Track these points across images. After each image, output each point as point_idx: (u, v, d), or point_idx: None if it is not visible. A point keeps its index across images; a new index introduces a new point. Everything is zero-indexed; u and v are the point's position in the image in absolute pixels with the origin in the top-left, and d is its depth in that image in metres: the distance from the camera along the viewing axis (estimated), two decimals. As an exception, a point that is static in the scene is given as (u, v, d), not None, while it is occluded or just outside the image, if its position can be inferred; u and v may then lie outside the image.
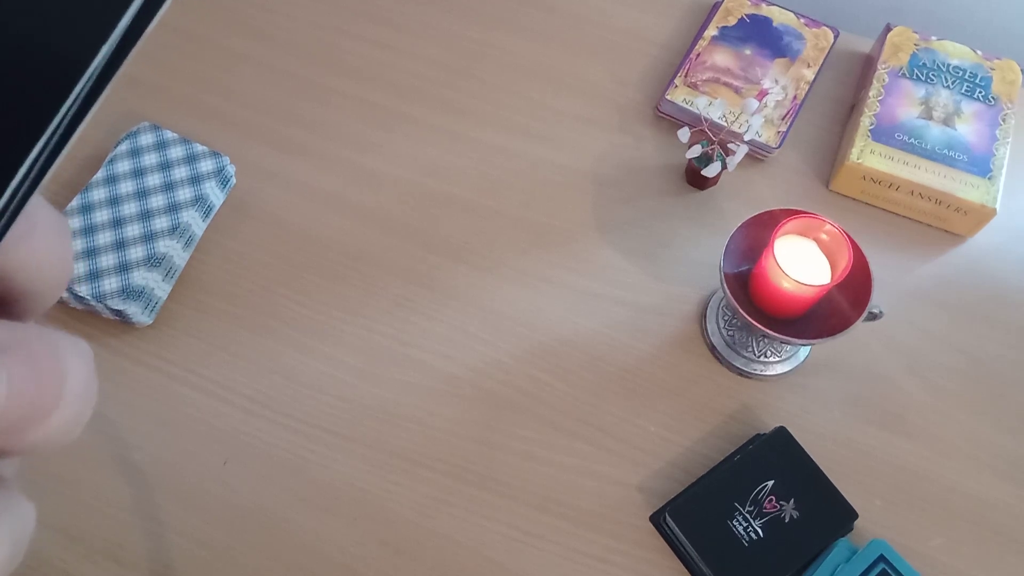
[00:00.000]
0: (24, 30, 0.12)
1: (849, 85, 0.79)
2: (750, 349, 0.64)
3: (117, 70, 0.13)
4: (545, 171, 0.74)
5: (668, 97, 0.75)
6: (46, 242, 0.15)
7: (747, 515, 0.56)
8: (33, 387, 0.13)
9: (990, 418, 0.64)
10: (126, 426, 0.62)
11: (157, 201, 0.67)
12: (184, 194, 0.68)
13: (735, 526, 0.56)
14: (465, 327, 0.67)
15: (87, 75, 0.13)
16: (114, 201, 0.67)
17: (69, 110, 0.13)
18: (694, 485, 0.58)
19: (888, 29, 0.77)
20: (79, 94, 0.13)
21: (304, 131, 0.76)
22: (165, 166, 0.69)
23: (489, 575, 0.58)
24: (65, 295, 0.63)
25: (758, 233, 0.60)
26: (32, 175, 0.13)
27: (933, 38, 0.76)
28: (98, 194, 0.67)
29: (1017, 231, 0.72)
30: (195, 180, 0.68)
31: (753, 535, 0.55)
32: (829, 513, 0.57)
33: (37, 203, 0.14)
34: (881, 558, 0.55)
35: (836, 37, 0.79)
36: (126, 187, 0.68)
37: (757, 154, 0.74)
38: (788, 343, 0.58)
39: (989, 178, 0.69)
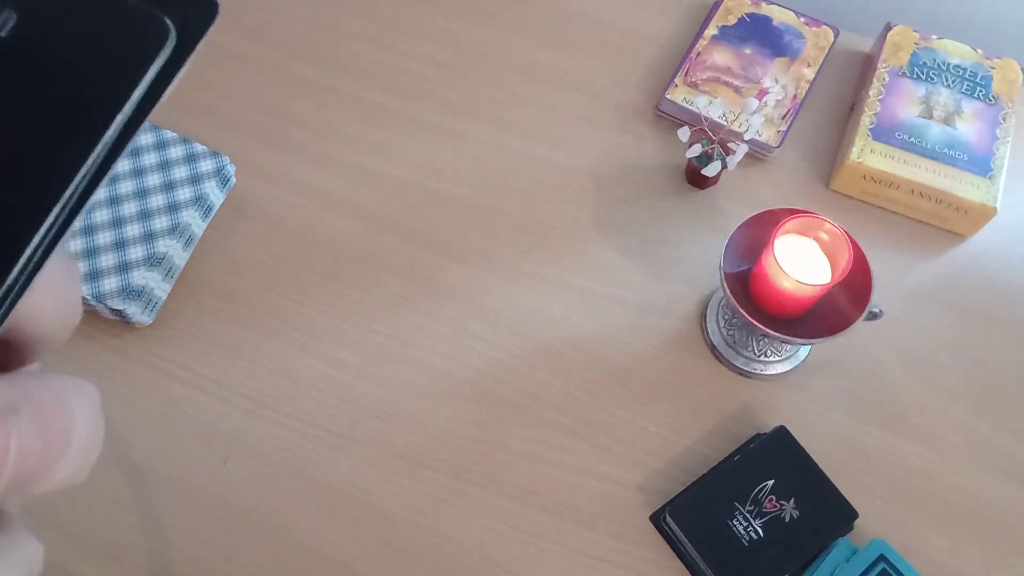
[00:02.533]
0: (49, 95, 0.13)
1: (849, 84, 0.79)
2: (750, 349, 0.64)
3: (133, 134, 0.14)
4: (545, 171, 0.74)
5: (668, 96, 0.75)
6: (53, 291, 0.15)
7: (747, 515, 0.56)
8: (41, 444, 0.13)
9: (990, 418, 0.63)
10: (126, 426, 0.62)
11: (157, 201, 0.67)
12: (184, 194, 0.68)
13: (735, 526, 0.56)
14: (465, 327, 0.67)
15: (104, 141, 0.13)
16: (114, 201, 0.67)
17: (86, 174, 0.13)
18: (694, 485, 0.58)
19: (888, 28, 0.77)
20: (96, 159, 0.13)
21: (304, 131, 0.76)
22: (165, 166, 0.69)
23: (489, 575, 0.58)
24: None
25: (758, 232, 0.59)
26: (50, 237, 0.13)
27: (933, 37, 0.76)
28: (97, 194, 0.67)
29: (1017, 230, 0.72)
30: (195, 180, 0.68)
31: (753, 535, 0.55)
32: (829, 513, 0.57)
33: None
34: (881, 558, 0.55)
35: (836, 36, 0.79)
36: (126, 187, 0.68)
37: (757, 153, 0.74)
38: (788, 343, 0.58)
39: (989, 177, 0.69)
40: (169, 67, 0.14)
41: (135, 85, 0.13)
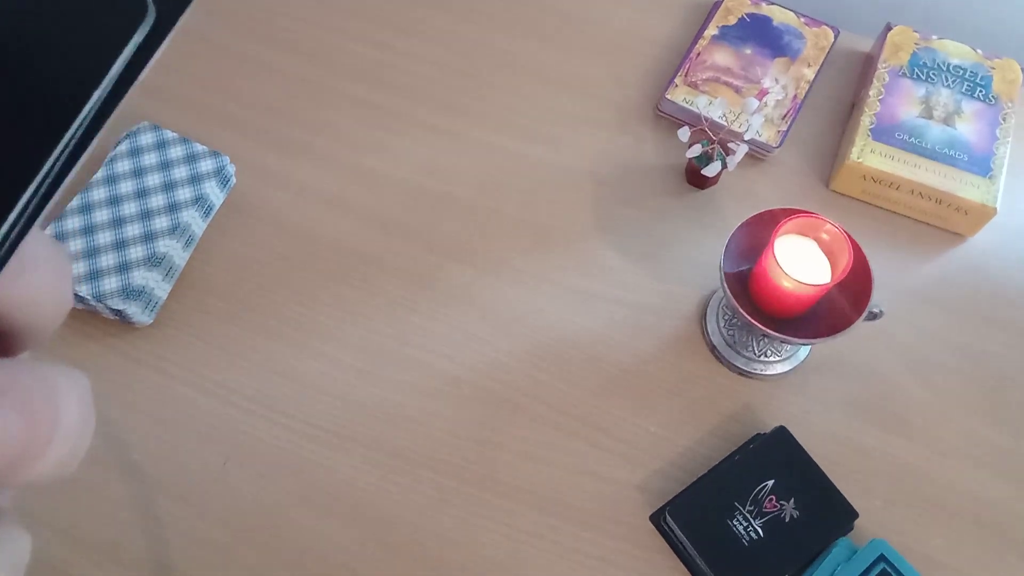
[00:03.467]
0: (23, 71, 0.13)
1: (849, 84, 0.79)
2: (750, 349, 0.64)
3: (111, 113, 0.13)
4: (545, 171, 0.74)
5: (668, 96, 0.75)
6: (43, 278, 0.14)
7: (747, 515, 0.56)
8: (25, 430, 0.13)
9: (990, 417, 0.63)
10: (126, 426, 0.62)
11: (157, 201, 0.67)
12: (184, 194, 0.68)
13: (735, 526, 0.56)
14: (465, 327, 0.67)
15: (80, 117, 0.13)
16: (114, 201, 0.67)
17: (63, 152, 0.13)
18: (694, 485, 0.58)
19: (888, 28, 0.77)
20: (73, 136, 0.13)
21: (304, 131, 0.76)
22: (165, 166, 0.69)
23: (489, 575, 0.58)
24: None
25: (758, 233, 0.59)
26: (26, 216, 0.13)
27: (933, 37, 0.76)
28: (98, 194, 0.67)
29: (1017, 230, 0.72)
30: (195, 180, 0.68)
31: (753, 535, 0.55)
32: (829, 513, 0.57)
33: (33, 238, 0.14)
34: (881, 558, 0.55)
35: (836, 36, 0.79)
36: (126, 187, 0.68)
37: (757, 153, 0.74)
38: (788, 343, 0.58)
39: (989, 177, 0.69)
40: (148, 44, 0.14)
41: (112, 61, 0.13)
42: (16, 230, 0.13)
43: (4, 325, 0.14)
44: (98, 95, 0.13)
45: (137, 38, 0.13)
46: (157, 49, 0.14)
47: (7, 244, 0.13)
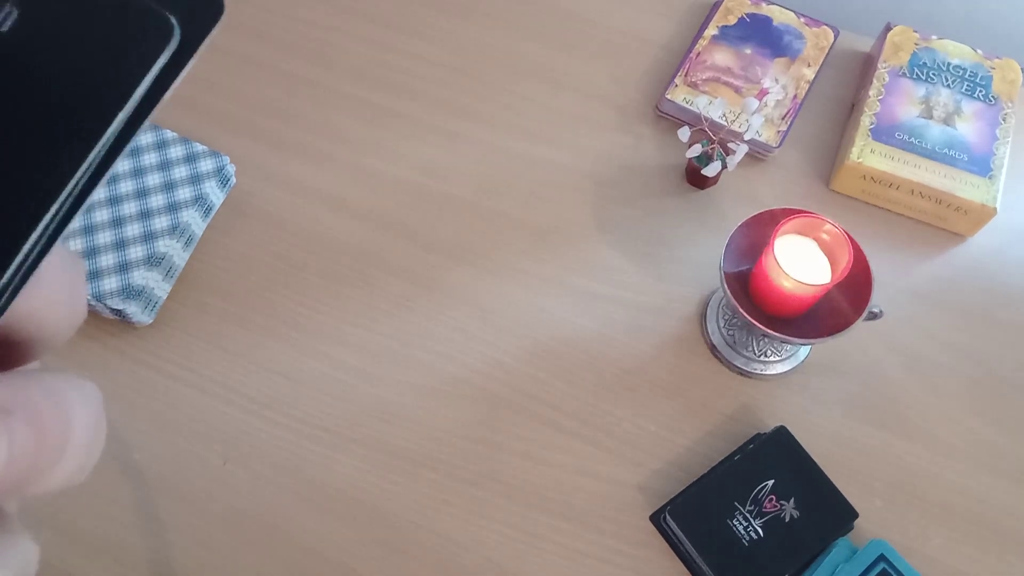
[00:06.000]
0: (50, 93, 0.13)
1: (849, 84, 0.79)
2: (750, 349, 0.64)
3: (134, 133, 0.14)
4: (545, 171, 0.74)
5: (668, 96, 0.75)
6: (56, 289, 0.14)
7: (747, 514, 0.56)
8: (36, 445, 0.13)
9: (990, 418, 0.63)
10: (126, 426, 0.62)
11: (157, 200, 0.67)
12: (184, 193, 0.68)
13: (735, 525, 0.56)
14: (465, 327, 0.67)
15: (104, 139, 0.13)
16: (114, 201, 0.67)
17: (85, 172, 0.13)
18: (694, 485, 0.58)
19: (888, 28, 0.77)
20: (96, 157, 0.13)
21: (304, 131, 0.76)
22: (165, 165, 0.69)
23: (489, 575, 0.58)
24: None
25: (758, 232, 0.60)
26: (48, 234, 0.13)
27: (933, 37, 0.76)
28: (98, 193, 0.67)
29: (1017, 231, 0.72)
30: (195, 179, 0.68)
31: (753, 535, 0.55)
32: (829, 513, 0.57)
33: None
34: (881, 558, 0.55)
35: (836, 36, 0.79)
36: (126, 186, 0.68)
37: (757, 153, 0.74)
38: (788, 342, 0.58)
39: (989, 177, 0.69)
40: (172, 66, 0.13)
41: (137, 83, 0.13)
42: (39, 247, 0.13)
43: (17, 335, 0.14)
44: (122, 117, 0.13)
45: (162, 59, 0.13)
46: (181, 71, 0.14)
47: (30, 261, 0.13)
